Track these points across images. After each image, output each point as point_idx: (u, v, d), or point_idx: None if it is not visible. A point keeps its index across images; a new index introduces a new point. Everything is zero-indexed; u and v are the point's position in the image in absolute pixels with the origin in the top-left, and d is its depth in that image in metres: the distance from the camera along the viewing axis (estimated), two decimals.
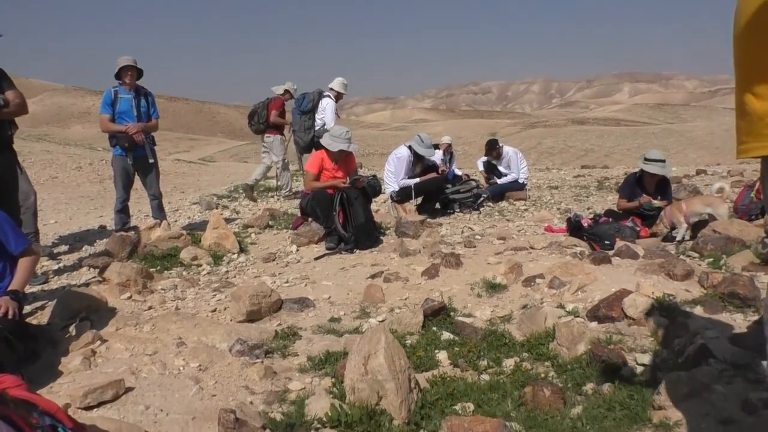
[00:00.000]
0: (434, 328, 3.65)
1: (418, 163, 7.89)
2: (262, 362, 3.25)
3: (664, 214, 5.81)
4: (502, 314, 3.88)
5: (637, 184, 6.34)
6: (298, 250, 6.00)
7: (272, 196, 9.88)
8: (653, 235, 5.88)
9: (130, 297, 4.51)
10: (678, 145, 44.90)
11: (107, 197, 10.46)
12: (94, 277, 5.07)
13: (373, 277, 4.88)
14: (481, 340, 3.47)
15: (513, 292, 4.26)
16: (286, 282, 4.95)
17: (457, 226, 7.05)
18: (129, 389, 2.92)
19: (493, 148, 9.58)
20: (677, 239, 5.60)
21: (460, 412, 2.66)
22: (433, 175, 7.92)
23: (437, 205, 8.09)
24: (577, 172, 13.33)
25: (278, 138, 9.34)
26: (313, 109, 9.07)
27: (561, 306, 3.81)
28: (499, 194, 8.98)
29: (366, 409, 2.56)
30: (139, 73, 6.35)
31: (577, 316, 3.61)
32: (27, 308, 4.07)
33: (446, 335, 3.54)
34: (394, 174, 7.82)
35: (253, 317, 4.05)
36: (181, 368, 3.21)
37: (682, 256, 4.81)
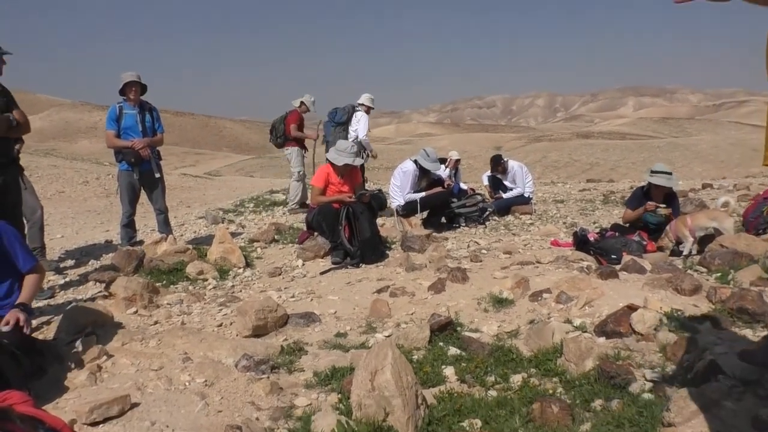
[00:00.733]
0: (441, 344, 3.64)
1: (424, 178, 7.91)
2: (268, 378, 3.24)
3: (669, 229, 5.79)
4: (509, 329, 3.87)
5: (644, 197, 6.33)
6: (303, 265, 6.01)
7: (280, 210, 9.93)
8: (660, 249, 5.85)
9: (136, 312, 4.52)
10: (683, 158, 44.80)
11: (114, 212, 10.52)
12: (100, 292, 5.09)
13: (379, 291, 4.87)
14: (488, 356, 3.44)
15: (520, 306, 4.24)
16: (292, 297, 4.95)
17: (463, 240, 7.05)
18: (135, 405, 2.91)
19: (498, 164, 9.59)
20: (684, 254, 5.57)
21: (467, 428, 2.64)
22: (439, 189, 7.94)
23: (443, 219, 8.09)
24: (583, 186, 13.31)
25: (296, 150, 9.55)
26: (347, 121, 9.35)
27: (568, 321, 3.78)
28: (505, 209, 8.97)
29: (373, 425, 2.54)
30: (143, 89, 6.40)
31: (585, 332, 3.58)
32: (33, 323, 4.07)
33: (453, 351, 3.52)
34: (399, 188, 7.84)
35: (259, 332, 4.04)
36: (187, 384, 3.21)
37: (689, 271, 4.78)
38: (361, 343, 3.84)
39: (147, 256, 5.83)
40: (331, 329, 4.14)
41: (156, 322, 4.35)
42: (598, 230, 6.37)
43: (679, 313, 3.62)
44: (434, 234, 7.09)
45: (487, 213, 8.41)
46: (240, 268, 5.90)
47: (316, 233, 6.40)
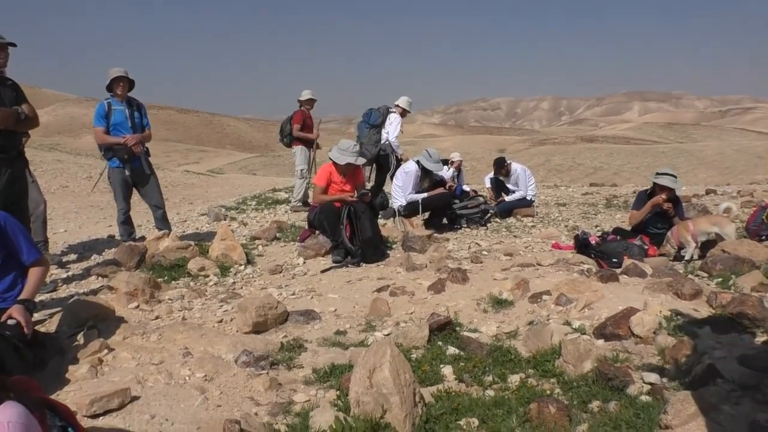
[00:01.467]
0: (440, 343, 3.65)
1: (426, 178, 7.91)
2: (268, 374, 3.25)
3: (671, 234, 5.79)
4: (508, 330, 3.87)
5: (648, 200, 6.34)
6: (304, 263, 6.02)
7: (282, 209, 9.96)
8: (661, 254, 5.85)
9: (137, 306, 4.54)
10: (688, 164, 44.69)
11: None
12: (102, 286, 5.11)
13: (379, 290, 4.89)
14: (487, 356, 3.45)
15: (519, 308, 4.24)
16: (293, 294, 4.97)
17: (464, 241, 7.06)
18: (135, 398, 2.93)
19: (501, 167, 9.59)
20: (686, 258, 5.58)
21: (464, 427, 2.65)
22: (441, 190, 7.94)
23: (444, 220, 8.09)
24: (586, 190, 13.29)
25: (299, 148, 9.68)
26: (381, 124, 9.16)
27: (567, 323, 3.79)
28: (507, 211, 8.98)
29: (370, 422, 2.55)
30: (131, 84, 6.38)
31: (584, 334, 3.59)
32: (35, 316, 4.09)
33: (452, 350, 3.53)
34: (401, 188, 7.85)
35: (259, 329, 4.06)
36: (187, 378, 3.22)
37: (690, 276, 4.78)
38: (361, 341, 3.85)
39: (149, 252, 5.85)
40: (331, 327, 4.15)
41: (157, 317, 4.37)
42: (599, 234, 6.37)
43: (678, 316, 3.62)
44: (435, 235, 7.11)
45: (489, 215, 8.41)
46: (241, 265, 5.92)
47: (317, 232, 6.42)
